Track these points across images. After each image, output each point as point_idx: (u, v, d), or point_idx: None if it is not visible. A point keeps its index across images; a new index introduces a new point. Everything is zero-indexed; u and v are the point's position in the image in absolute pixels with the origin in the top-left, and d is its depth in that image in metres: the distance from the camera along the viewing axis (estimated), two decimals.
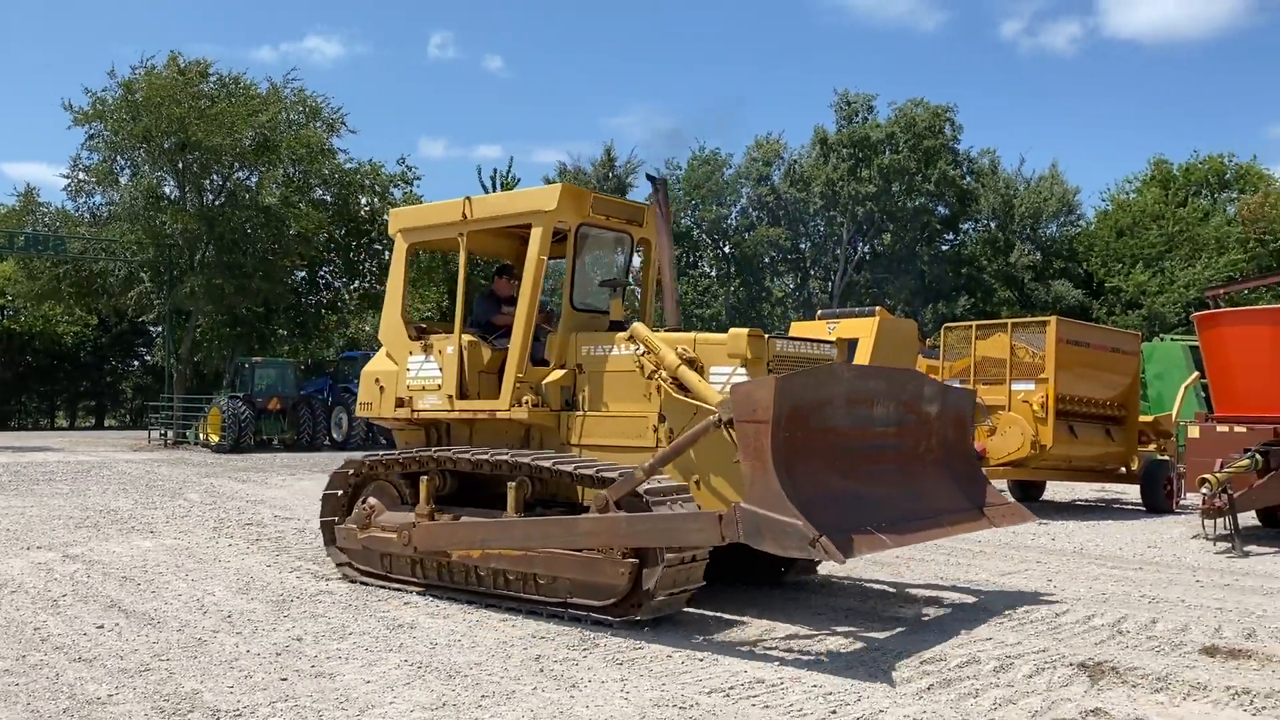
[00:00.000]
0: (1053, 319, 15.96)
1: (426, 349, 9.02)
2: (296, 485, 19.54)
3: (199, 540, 11.66)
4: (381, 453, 8.97)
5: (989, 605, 8.35)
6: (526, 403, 8.32)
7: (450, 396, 8.79)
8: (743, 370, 7.56)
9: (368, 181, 42.18)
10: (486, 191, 51.81)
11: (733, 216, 52.27)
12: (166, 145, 36.63)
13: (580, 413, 8.40)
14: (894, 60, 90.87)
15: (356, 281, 44.05)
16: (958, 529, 7.84)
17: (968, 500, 8.10)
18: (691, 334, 7.95)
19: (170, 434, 35.39)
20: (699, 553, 7.20)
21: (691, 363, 7.66)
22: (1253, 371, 13.44)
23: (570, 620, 7.48)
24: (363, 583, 8.88)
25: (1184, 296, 43.32)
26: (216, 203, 38.73)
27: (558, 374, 8.47)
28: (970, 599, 8.65)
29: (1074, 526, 14.52)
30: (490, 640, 7.02)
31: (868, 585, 9.27)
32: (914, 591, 8.98)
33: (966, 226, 53.02)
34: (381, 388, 9.28)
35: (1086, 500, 18.64)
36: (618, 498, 7.13)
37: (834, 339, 8.64)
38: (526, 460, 7.77)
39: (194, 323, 40.56)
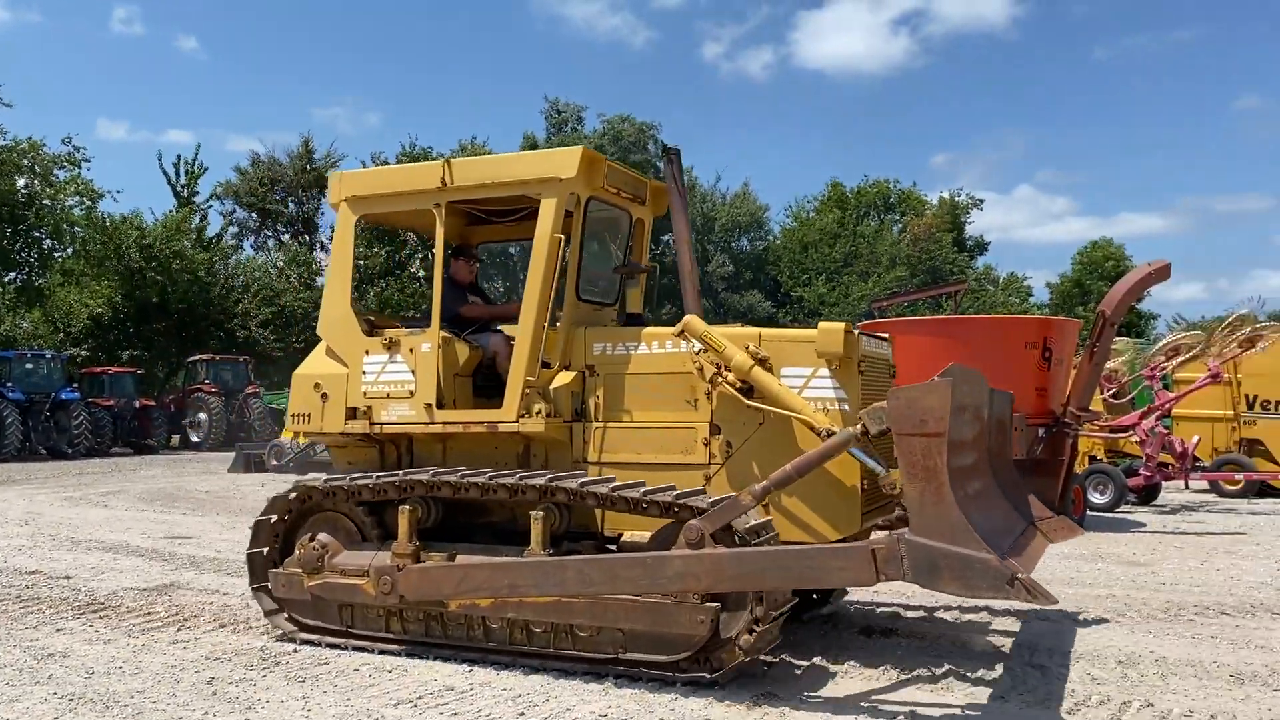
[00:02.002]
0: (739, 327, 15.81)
1: (390, 347, 7.25)
2: None
3: None
4: (336, 475, 7.14)
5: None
6: (539, 412, 6.77)
7: (428, 405, 7.08)
8: (826, 372, 6.36)
9: (25, 161, 36.49)
10: (170, 180, 48.12)
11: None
12: None
13: (598, 423, 6.92)
14: (605, 74, 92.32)
15: (12, 274, 38.34)
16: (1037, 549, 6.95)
17: (1021, 515, 7.24)
18: (755, 329, 6.65)
19: None
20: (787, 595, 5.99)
21: (762, 363, 6.38)
22: (906, 379, 13.80)
23: (621, 681, 6.08)
24: (307, 641, 7.03)
25: (857, 307, 46.54)
26: None
27: (567, 378, 6.96)
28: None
29: None
30: (157, 665, 6.49)
31: (890, 611, 8.28)
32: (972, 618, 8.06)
33: (666, 238, 54.22)
34: (324, 395, 7.40)
35: None
36: (715, 530, 5.77)
37: (886, 335, 7.43)
38: (573, 486, 6.27)
39: None
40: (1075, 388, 12.79)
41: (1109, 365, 16.46)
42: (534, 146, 47.33)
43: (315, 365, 7.56)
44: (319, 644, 6.97)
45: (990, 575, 5.00)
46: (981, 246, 63.83)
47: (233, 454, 26.34)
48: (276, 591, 7.11)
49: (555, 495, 6.35)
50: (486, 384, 7.53)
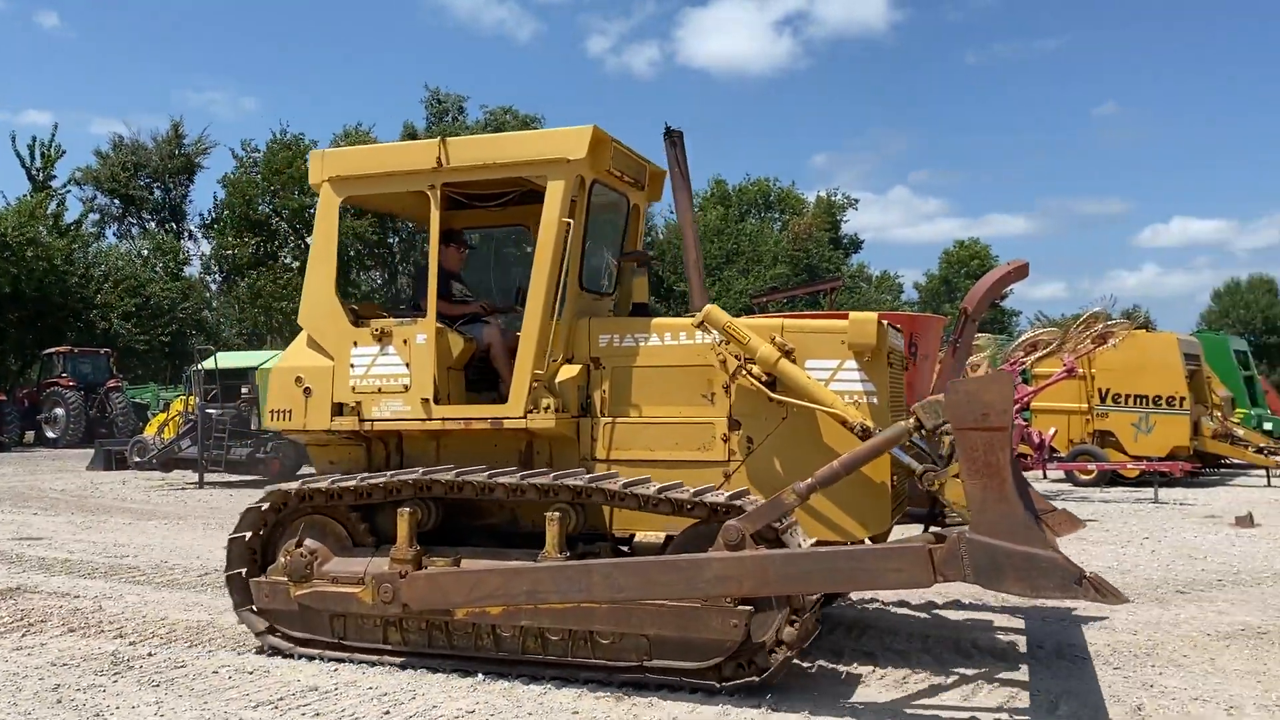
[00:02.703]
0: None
1: (381, 338, 6.79)
2: None
3: None
4: (325, 476, 6.65)
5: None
6: (548, 408, 6.43)
7: (426, 400, 6.65)
8: (854, 364, 6.20)
9: None
10: (25, 163, 45.46)
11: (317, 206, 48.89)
12: None
13: (607, 419, 6.62)
14: (491, 65, 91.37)
15: None
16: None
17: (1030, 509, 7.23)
18: (777, 320, 6.45)
19: None
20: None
21: (788, 355, 6.18)
22: None
23: (644, 689, 5.83)
24: (302, 656, 6.54)
25: (738, 302, 47.69)
26: None
27: (572, 371, 6.63)
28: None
29: None
30: None
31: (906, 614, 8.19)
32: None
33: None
34: (307, 390, 6.88)
35: None
36: (755, 530, 5.54)
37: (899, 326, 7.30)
38: (614, 488, 5.96)
39: None
40: (939, 382, 13.05)
41: (971, 360, 16.93)
42: (413, 136, 46.17)
43: (296, 357, 7.04)
44: (313, 658, 6.49)
45: (1057, 575, 4.89)
46: (856, 245, 65.37)
47: (91, 451, 25.15)
48: (259, 603, 6.59)
49: (592, 496, 6.02)
50: (478, 377, 7.16)
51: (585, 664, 6.01)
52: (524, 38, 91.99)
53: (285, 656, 6.56)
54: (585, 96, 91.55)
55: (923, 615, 7.83)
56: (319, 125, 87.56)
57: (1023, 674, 6.26)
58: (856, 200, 67.64)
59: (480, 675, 6.12)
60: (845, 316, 6.25)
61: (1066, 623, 7.62)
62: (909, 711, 5.54)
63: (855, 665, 6.42)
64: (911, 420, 5.36)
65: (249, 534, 6.66)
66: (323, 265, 7.03)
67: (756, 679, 5.67)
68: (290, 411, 6.91)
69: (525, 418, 6.44)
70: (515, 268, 7.03)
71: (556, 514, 6.05)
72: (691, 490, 5.83)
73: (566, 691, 5.84)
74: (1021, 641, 7.09)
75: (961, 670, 6.31)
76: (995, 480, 5.00)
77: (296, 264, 47.02)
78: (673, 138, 7.15)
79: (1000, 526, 4.98)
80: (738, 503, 5.70)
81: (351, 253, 45.30)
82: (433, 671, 6.23)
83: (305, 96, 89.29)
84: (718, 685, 5.74)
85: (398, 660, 6.34)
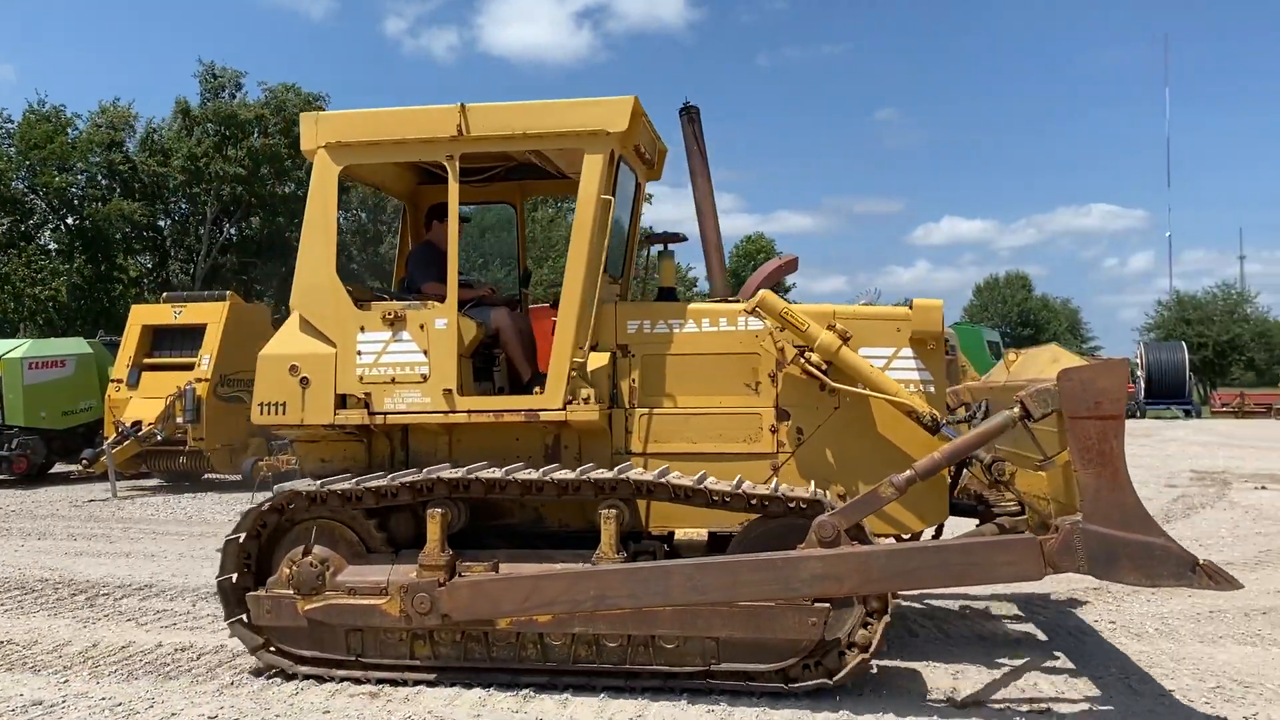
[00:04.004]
0: None
1: (393, 323, 6.15)
2: None
3: None
4: (347, 477, 5.96)
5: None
6: (588, 399, 5.99)
7: (448, 392, 6.06)
8: (910, 352, 6.05)
9: None
10: None
11: (80, 185, 45.80)
12: None
13: (643, 410, 6.23)
14: (278, 41, 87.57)
15: None
16: None
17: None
18: (829, 306, 6.20)
19: None
20: None
21: (846, 343, 5.96)
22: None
23: (703, 694, 5.52)
24: (310, 676, 5.85)
25: (534, 293, 47.57)
26: None
27: (602, 359, 6.21)
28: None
29: None
30: None
31: None
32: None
33: (340, 215, 52.50)
34: (304, 380, 6.16)
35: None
36: (849, 526, 5.29)
37: None
38: (726, 488, 5.58)
39: None
40: None
41: None
42: (186, 112, 43.22)
43: (288, 344, 6.29)
44: (323, 679, 5.82)
45: (1172, 563, 4.88)
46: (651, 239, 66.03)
47: None
48: (259, 619, 5.85)
49: (692, 498, 5.61)
50: (484, 365, 6.63)
51: (645, 671, 5.62)
52: (317, 15, 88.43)
53: (288, 678, 5.87)
54: (380, 79, 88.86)
55: (919, 606, 7.78)
56: (81, 97, 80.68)
57: (1064, 661, 6.28)
58: (650, 195, 68.39)
59: (529, 689, 5.64)
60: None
61: (1049, 606, 7.75)
62: (996, 707, 5.43)
63: (902, 661, 6.27)
64: (1018, 409, 5.23)
65: (243, 536, 5.91)
66: (319, 242, 6.30)
67: (828, 680, 5.44)
68: (284, 404, 6.18)
69: (564, 409, 5.97)
70: (491, 249, 6.48)
71: (613, 512, 5.63)
72: (734, 484, 5.57)
73: (624, 701, 5.45)
74: (1028, 627, 7.15)
75: (1005, 661, 6.26)
76: (1109, 469, 4.94)
77: (55, 247, 43.62)
78: (690, 114, 6.79)
79: (1115, 516, 4.93)
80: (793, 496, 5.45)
81: (118, 235, 42.44)
82: (468, 687, 5.70)
83: (67, 68, 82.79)
84: (785, 688, 5.48)
85: (429, 676, 5.76)
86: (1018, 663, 6.23)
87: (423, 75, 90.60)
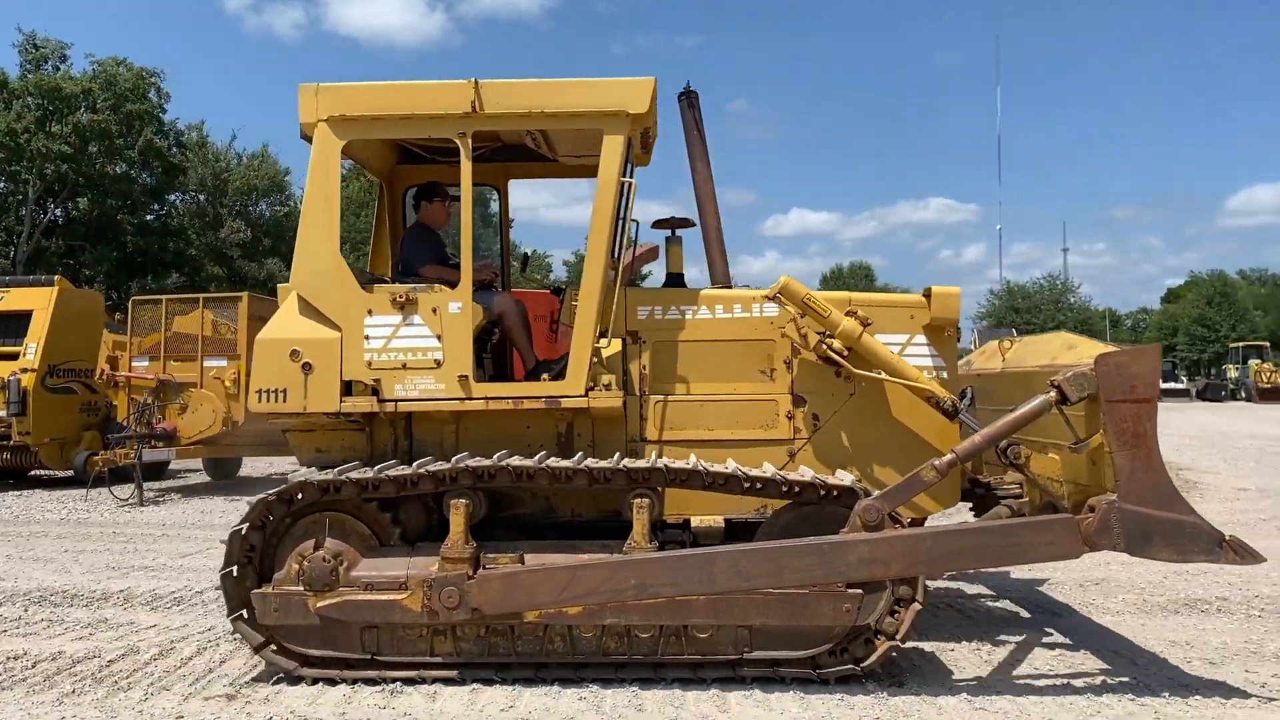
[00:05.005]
0: (244, 295, 15.92)
1: (403, 305, 5.87)
2: None
3: None
4: (368, 465, 5.66)
5: None
6: (609, 385, 5.87)
7: (464, 378, 5.83)
8: (923, 339, 6.13)
9: None
10: None
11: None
12: None
13: (658, 397, 6.14)
14: (100, 12, 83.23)
15: None
16: None
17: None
18: (844, 293, 6.22)
19: None
20: None
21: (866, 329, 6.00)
22: None
23: (733, 684, 5.47)
24: (323, 680, 5.55)
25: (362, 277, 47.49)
26: None
27: (615, 345, 6.09)
28: None
29: None
30: None
31: None
32: None
33: (174, 198, 50.51)
34: (307, 366, 5.82)
35: (282, 474, 18.13)
36: (892, 509, 5.32)
37: None
38: (718, 470, 5.51)
39: None
40: None
41: None
42: (4, 84, 40.77)
43: (288, 327, 5.92)
44: (336, 681, 5.53)
45: (1202, 539, 5.11)
46: (508, 223, 65.42)
47: None
48: (265, 619, 5.52)
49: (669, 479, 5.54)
50: (477, 351, 6.40)
51: (674, 661, 5.54)
52: None
53: (292, 681, 5.56)
54: (218, 56, 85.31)
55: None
56: None
57: (1061, 636, 6.49)
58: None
59: (553, 683, 5.49)
60: None
61: (1016, 582, 8.01)
62: (1020, 683, 5.56)
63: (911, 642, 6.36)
64: (1054, 393, 5.35)
65: (246, 527, 5.56)
66: (322, 221, 5.95)
67: (856, 667, 5.46)
68: (285, 391, 5.83)
69: (587, 396, 5.82)
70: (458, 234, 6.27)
71: (645, 501, 5.52)
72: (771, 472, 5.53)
73: (655, 693, 5.36)
74: (1009, 605, 7.37)
75: (1007, 638, 6.44)
76: (1143, 450, 5.12)
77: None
78: (690, 99, 6.69)
79: (1149, 495, 5.12)
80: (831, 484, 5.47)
81: None
82: (487, 684, 5.51)
83: None
84: (814, 674, 5.48)
85: (450, 673, 5.54)
86: (1016, 639, 6.42)
87: (267, 53, 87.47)
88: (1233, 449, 20.83)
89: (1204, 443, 21.82)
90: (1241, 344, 58.11)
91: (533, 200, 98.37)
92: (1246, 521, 10.91)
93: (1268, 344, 58.28)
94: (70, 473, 16.19)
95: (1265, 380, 50.38)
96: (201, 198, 50.22)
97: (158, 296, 17.10)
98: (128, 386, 15.70)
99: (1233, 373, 56.13)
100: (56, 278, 17.05)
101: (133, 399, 15.46)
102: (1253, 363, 53.08)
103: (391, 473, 5.48)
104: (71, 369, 16.49)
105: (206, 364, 15.40)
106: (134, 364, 15.73)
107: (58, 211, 44.79)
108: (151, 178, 46.59)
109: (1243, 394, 52.00)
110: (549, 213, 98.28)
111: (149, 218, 47.75)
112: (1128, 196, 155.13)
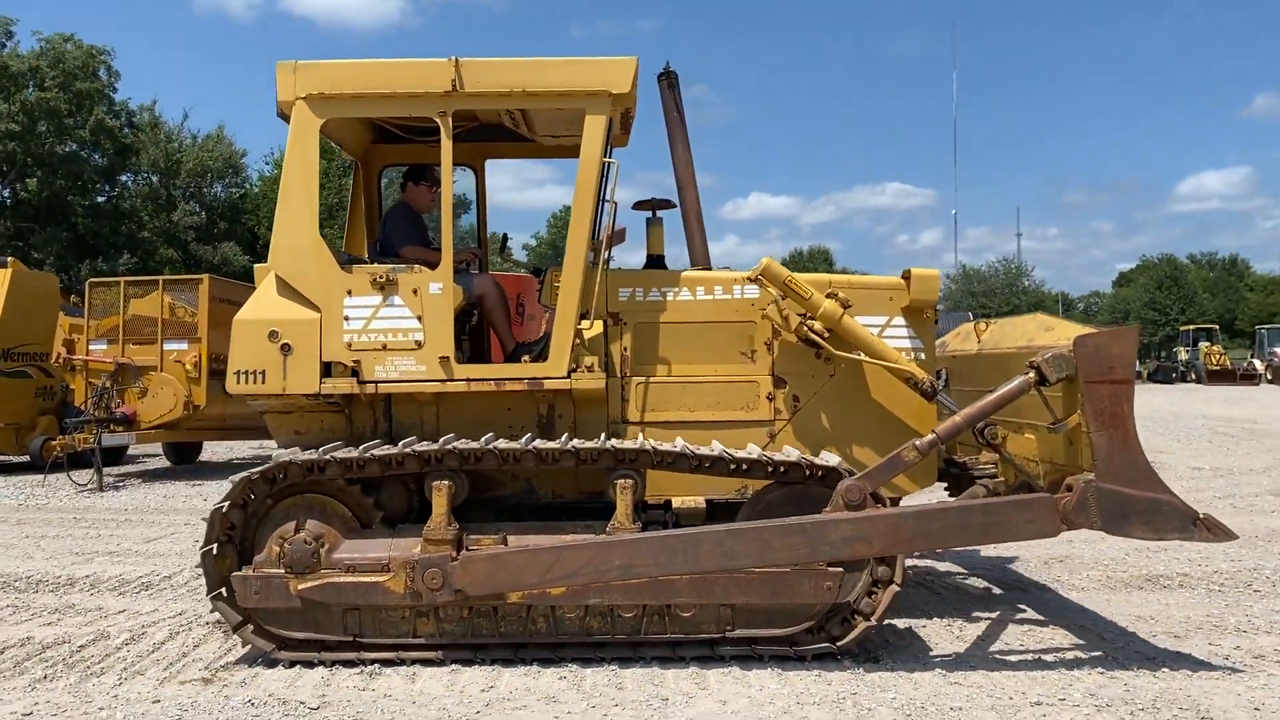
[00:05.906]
0: (205, 277, 15.83)
1: (383, 286, 5.83)
2: None
3: None
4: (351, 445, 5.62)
5: None
6: (591, 367, 5.87)
7: (445, 359, 5.82)
8: (902, 321, 6.19)
9: None
10: None
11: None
12: None
13: (640, 379, 6.16)
14: None
15: None
16: None
17: None
18: (825, 275, 6.27)
19: None
20: None
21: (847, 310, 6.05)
22: None
23: (713, 662, 5.52)
24: (303, 663, 5.53)
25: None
26: None
27: (597, 327, 6.09)
28: None
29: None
30: None
31: None
32: None
33: (126, 179, 49.64)
34: (285, 347, 5.77)
35: (243, 459, 18.47)
36: (875, 488, 5.38)
37: None
38: (707, 452, 5.55)
39: None
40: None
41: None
42: None
43: (265, 308, 5.87)
44: (313, 664, 5.51)
45: (1177, 517, 5.22)
46: (465, 205, 65.02)
47: None
48: (245, 601, 5.48)
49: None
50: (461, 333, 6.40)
51: (661, 640, 5.58)
52: None
53: (269, 664, 5.53)
54: (170, 34, 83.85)
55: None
56: None
57: (1032, 612, 6.60)
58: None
59: (532, 663, 5.51)
60: None
61: (986, 560, 8.14)
62: (993, 658, 5.65)
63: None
64: (1033, 374, 5.43)
65: (228, 505, 5.51)
66: (299, 201, 5.89)
67: (832, 645, 5.53)
68: (263, 373, 5.77)
69: (569, 378, 5.83)
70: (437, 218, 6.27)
71: (629, 482, 5.54)
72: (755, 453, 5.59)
73: (634, 671, 5.39)
74: (980, 581, 7.49)
75: (981, 614, 6.55)
76: (1120, 430, 5.22)
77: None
78: (670, 79, 6.70)
79: (1126, 474, 5.22)
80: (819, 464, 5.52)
81: None
82: (467, 665, 5.52)
83: None
84: (792, 651, 5.54)
85: (432, 655, 5.54)
86: (990, 615, 6.53)
87: (219, 33, 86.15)
88: (1185, 429, 21.22)
89: (1157, 424, 22.18)
90: (1191, 327, 59.13)
91: (493, 184, 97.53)
92: (1202, 499, 11.11)
93: (1217, 327, 59.30)
94: (26, 458, 15.96)
95: (1215, 362, 51.27)
96: (154, 179, 49.43)
97: (115, 279, 16.89)
98: (85, 370, 15.48)
99: (1183, 355, 57.09)
100: (10, 259, 16.80)
101: (90, 383, 15.25)
102: (1203, 345, 54.02)
103: (377, 452, 5.46)
104: (26, 352, 16.24)
105: (167, 347, 15.25)
106: (91, 347, 15.51)
107: (6, 192, 43.95)
108: (103, 158, 45.86)
109: (1193, 376, 52.92)
110: (505, 195, 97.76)
111: (100, 199, 46.98)
112: (1079, 181, 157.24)
